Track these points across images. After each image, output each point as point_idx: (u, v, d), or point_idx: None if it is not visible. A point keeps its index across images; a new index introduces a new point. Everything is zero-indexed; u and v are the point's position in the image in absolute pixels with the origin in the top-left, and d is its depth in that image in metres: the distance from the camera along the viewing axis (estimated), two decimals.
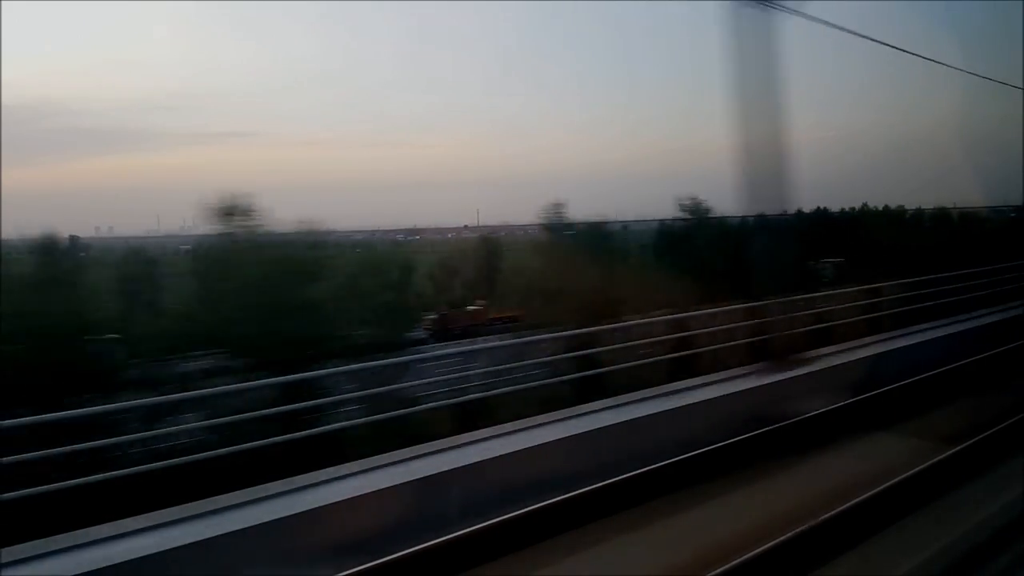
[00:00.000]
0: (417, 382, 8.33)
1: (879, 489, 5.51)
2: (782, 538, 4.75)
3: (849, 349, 10.15)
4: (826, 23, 9.40)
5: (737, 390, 8.10)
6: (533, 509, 5.30)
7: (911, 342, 10.82)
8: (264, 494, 5.24)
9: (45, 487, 5.01)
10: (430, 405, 7.81)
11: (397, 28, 79.08)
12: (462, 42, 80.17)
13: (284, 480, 5.46)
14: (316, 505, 5.09)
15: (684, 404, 7.56)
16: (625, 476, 5.85)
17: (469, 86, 73.58)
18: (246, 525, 4.77)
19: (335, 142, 66.68)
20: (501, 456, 6.12)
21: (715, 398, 7.83)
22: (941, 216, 35.03)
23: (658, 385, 8.20)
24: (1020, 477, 6.07)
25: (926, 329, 11.58)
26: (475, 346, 11.86)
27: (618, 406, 7.45)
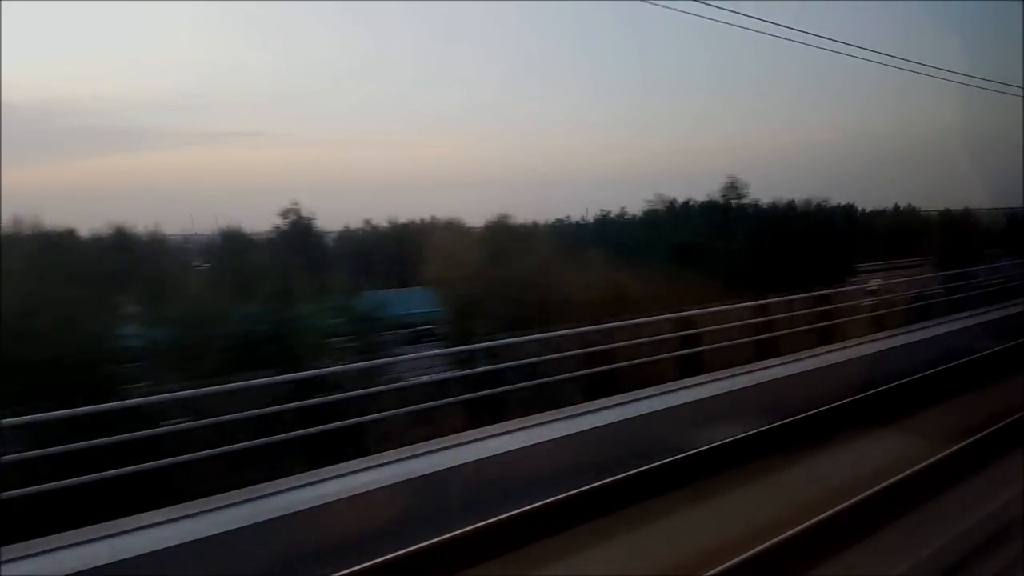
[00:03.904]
0: None
1: None
2: None
3: None
4: None
5: None
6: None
7: None
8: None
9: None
10: None
11: (409, 28, 78.51)
12: (473, 42, 79.76)
13: None
14: None
15: None
16: None
17: (484, 86, 73.07)
18: None
19: (349, 141, 66.22)
20: None
21: None
22: None
23: None
24: None
25: None
26: None
27: None
